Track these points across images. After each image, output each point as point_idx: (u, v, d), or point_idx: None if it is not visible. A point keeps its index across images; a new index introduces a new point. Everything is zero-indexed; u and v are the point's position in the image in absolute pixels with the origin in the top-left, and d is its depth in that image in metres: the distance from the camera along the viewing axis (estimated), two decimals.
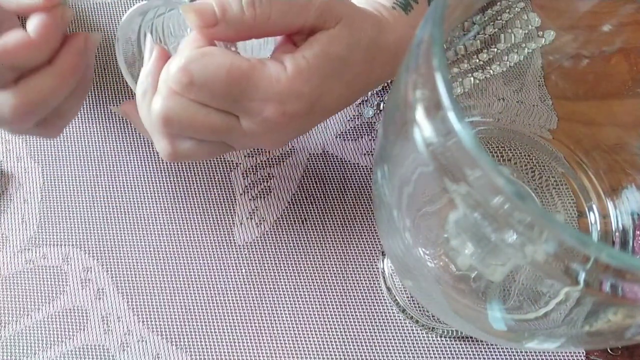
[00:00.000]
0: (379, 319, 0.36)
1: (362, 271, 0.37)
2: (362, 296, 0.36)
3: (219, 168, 0.40)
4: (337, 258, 0.37)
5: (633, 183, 0.31)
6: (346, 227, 0.38)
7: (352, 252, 0.37)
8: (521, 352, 0.35)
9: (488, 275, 0.26)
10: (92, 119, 0.42)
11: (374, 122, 0.40)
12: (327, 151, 0.40)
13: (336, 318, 0.36)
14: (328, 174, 0.39)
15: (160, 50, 0.28)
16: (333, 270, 0.37)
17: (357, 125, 0.40)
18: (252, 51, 0.31)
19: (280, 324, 0.36)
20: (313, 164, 0.39)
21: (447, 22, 0.20)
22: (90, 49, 0.30)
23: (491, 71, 0.36)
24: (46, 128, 0.31)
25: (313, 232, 0.38)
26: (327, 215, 0.38)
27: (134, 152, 0.40)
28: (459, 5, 0.21)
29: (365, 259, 0.37)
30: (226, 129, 0.27)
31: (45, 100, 0.28)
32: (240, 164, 0.40)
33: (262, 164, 0.40)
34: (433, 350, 0.35)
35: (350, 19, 0.27)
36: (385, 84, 0.41)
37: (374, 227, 0.38)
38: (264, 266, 0.37)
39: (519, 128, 0.35)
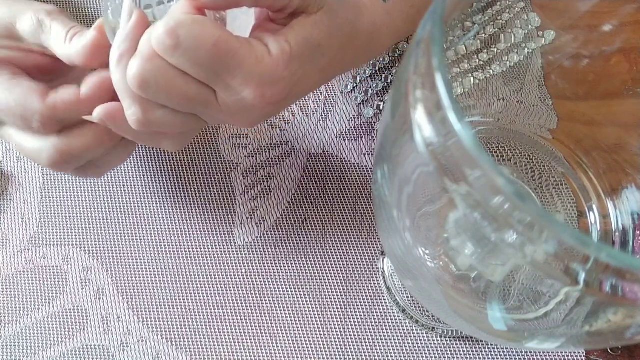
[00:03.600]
0: (379, 319, 0.36)
1: (362, 271, 0.37)
2: (362, 296, 0.36)
3: (219, 168, 0.40)
4: (337, 258, 0.37)
5: (633, 183, 0.31)
6: (346, 227, 0.38)
7: (352, 252, 0.37)
8: (521, 352, 0.35)
9: (488, 275, 0.26)
10: None
11: (374, 122, 0.40)
12: (327, 151, 0.40)
13: (336, 318, 0.36)
14: (328, 174, 0.39)
15: (140, 14, 0.27)
16: (333, 270, 0.37)
17: (357, 125, 0.40)
18: (239, 27, 0.30)
19: (280, 324, 0.36)
20: (313, 164, 0.39)
21: (447, 21, 0.20)
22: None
23: (491, 71, 0.36)
24: (85, 173, 0.33)
25: (313, 232, 0.38)
26: (327, 215, 0.38)
27: (134, 152, 0.40)
28: (459, 5, 0.21)
29: (365, 259, 0.37)
30: (202, 101, 0.26)
31: (81, 154, 0.30)
32: (240, 164, 0.40)
33: (262, 164, 0.40)
34: (433, 350, 0.35)
35: (334, 6, 0.27)
36: (385, 84, 0.41)
37: (374, 227, 0.38)
38: (264, 266, 0.37)
39: (519, 128, 0.35)
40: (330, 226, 0.38)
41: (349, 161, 0.40)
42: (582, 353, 0.34)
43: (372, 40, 0.31)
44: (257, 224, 0.38)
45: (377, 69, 0.41)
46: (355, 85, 0.41)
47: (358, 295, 0.36)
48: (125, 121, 0.28)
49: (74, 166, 0.31)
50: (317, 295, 0.36)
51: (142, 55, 0.25)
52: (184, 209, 0.39)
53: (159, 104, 0.27)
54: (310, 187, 0.39)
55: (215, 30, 0.25)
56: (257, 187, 0.39)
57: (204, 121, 0.29)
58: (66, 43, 0.29)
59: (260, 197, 0.39)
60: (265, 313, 0.36)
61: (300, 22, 0.26)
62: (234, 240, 0.38)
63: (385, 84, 0.41)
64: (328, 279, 0.37)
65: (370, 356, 0.35)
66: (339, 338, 0.35)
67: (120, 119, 0.28)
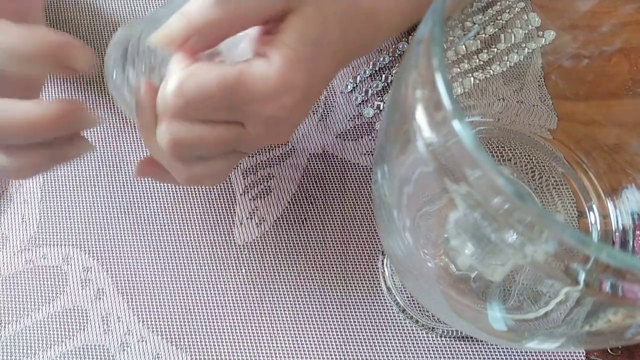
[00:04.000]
0: (379, 319, 0.36)
1: (362, 271, 0.37)
2: (362, 296, 0.36)
3: None
4: (337, 258, 0.37)
5: (633, 183, 0.31)
6: (346, 227, 0.38)
7: (352, 252, 0.37)
8: (521, 352, 0.35)
9: (488, 275, 0.26)
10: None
11: (374, 122, 0.40)
12: (327, 151, 0.40)
13: (336, 318, 0.36)
14: (328, 174, 0.39)
15: (147, 83, 0.27)
16: (333, 270, 0.37)
17: (357, 125, 0.40)
18: (237, 52, 0.30)
19: (280, 324, 0.36)
20: (313, 164, 0.39)
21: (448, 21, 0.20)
22: (81, 116, 0.26)
23: (491, 71, 0.36)
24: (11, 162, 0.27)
25: (313, 232, 0.38)
26: (327, 215, 0.38)
27: (134, 152, 0.40)
28: (459, 4, 0.21)
29: (365, 259, 0.37)
30: (235, 138, 0.27)
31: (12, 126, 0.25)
32: (240, 164, 0.40)
33: (262, 164, 0.40)
34: (433, 350, 0.35)
35: None
36: (385, 84, 0.41)
37: (374, 227, 0.38)
38: (264, 266, 0.37)
39: (519, 128, 0.35)
40: (330, 226, 0.38)
41: (349, 161, 0.40)
42: (582, 353, 0.34)
43: (376, 19, 0.30)
44: (257, 224, 0.38)
45: (377, 69, 0.41)
46: (355, 85, 0.41)
47: (358, 295, 0.36)
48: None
49: None
50: (317, 295, 0.36)
51: (164, 122, 0.26)
52: (184, 209, 0.39)
53: (199, 157, 0.27)
54: (310, 187, 0.39)
55: (212, 71, 0.25)
56: (257, 187, 0.39)
57: (243, 153, 0.29)
58: None
59: (260, 197, 0.39)
60: (265, 313, 0.36)
61: (290, 22, 0.26)
62: (234, 240, 0.38)
63: (385, 84, 0.41)
64: (328, 279, 0.37)
65: (370, 356, 0.35)
66: (339, 338, 0.35)
67: (167, 177, 0.29)
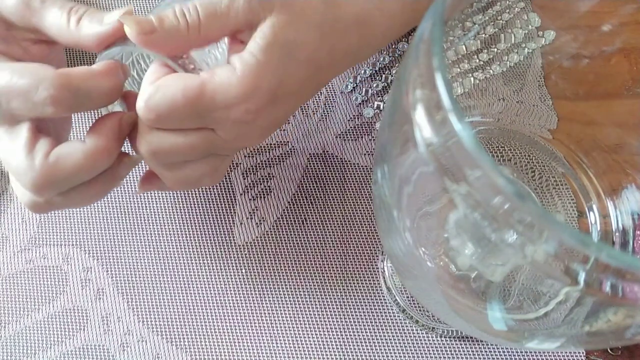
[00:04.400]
0: (379, 319, 0.36)
1: (362, 271, 0.37)
2: (362, 296, 0.36)
3: None
4: (337, 258, 0.37)
5: (633, 183, 0.31)
6: (346, 227, 0.38)
7: (352, 252, 0.37)
8: (521, 352, 0.35)
9: (488, 275, 0.26)
10: (91, 119, 0.42)
11: (374, 122, 0.40)
12: (327, 151, 0.40)
13: (336, 318, 0.36)
14: (328, 174, 0.39)
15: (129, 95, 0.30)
16: (333, 270, 0.37)
17: (357, 125, 0.40)
18: (212, 60, 0.31)
19: (280, 324, 0.36)
20: (313, 164, 0.39)
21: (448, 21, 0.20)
22: (125, 128, 0.29)
23: (491, 71, 0.36)
24: (67, 202, 0.30)
25: (313, 232, 0.38)
26: (327, 215, 0.38)
27: (133, 152, 0.40)
28: (459, 4, 0.21)
29: (365, 259, 0.37)
30: (208, 143, 0.28)
31: (71, 176, 0.28)
32: (240, 164, 0.40)
33: (262, 164, 0.40)
34: (433, 350, 0.35)
35: (288, 1, 0.28)
36: (385, 84, 0.41)
37: (374, 227, 0.38)
38: (264, 266, 0.37)
39: (519, 128, 0.35)
40: (330, 226, 0.38)
41: (349, 161, 0.40)
42: (582, 353, 0.34)
43: (365, 26, 0.30)
44: (257, 224, 0.38)
45: (377, 69, 0.41)
46: (355, 85, 0.41)
47: (358, 295, 0.36)
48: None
49: (58, 190, 0.28)
50: (317, 295, 0.36)
51: (141, 134, 0.28)
52: (184, 209, 0.39)
53: (180, 162, 0.29)
54: (310, 187, 0.39)
55: (178, 83, 0.26)
56: (257, 187, 0.39)
57: (225, 155, 0.31)
58: (71, 26, 0.28)
59: (260, 197, 0.39)
60: (265, 313, 0.36)
61: (259, 29, 0.27)
62: (234, 240, 0.38)
63: (385, 84, 0.41)
64: (328, 279, 0.37)
65: (370, 356, 0.35)
66: (339, 338, 0.35)
67: (157, 182, 0.31)
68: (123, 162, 0.30)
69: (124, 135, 0.29)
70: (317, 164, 0.39)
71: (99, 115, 0.30)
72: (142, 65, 0.35)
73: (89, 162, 0.28)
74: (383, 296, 0.36)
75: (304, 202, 0.39)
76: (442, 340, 0.35)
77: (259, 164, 0.40)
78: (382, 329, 0.35)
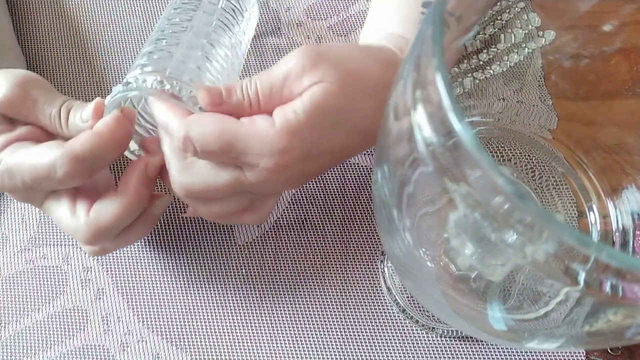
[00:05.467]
0: (379, 319, 0.36)
1: (362, 271, 0.37)
2: (362, 296, 0.36)
3: None
4: (337, 258, 0.37)
5: (633, 183, 0.31)
6: (346, 227, 0.38)
7: (352, 252, 0.37)
8: (521, 352, 0.35)
9: (488, 275, 0.26)
10: None
11: None
12: None
13: (336, 318, 0.36)
14: (328, 174, 0.39)
15: (151, 140, 0.33)
16: (333, 270, 0.37)
17: None
18: (213, 71, 0.33)
19: (280, 324, 0.36)
20: None
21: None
22: (152, 173, 0.32)
23: (491, 71, 0.36)
24: (120, 243, 0.34)
25: (313, 232, 0.38)
26: (327, 215, 0.38)
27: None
28: (460, 5, 0.21)
29: (365, 259, 0.37)
30: (236, 182, 0.29)
31: (112, 227, 0.31)
32: None
33: None
34: (433, 350, 0.35)
35: (342, 68, 0.28)
36: None
37: (374, 227, 0.38)
38: (264, 266, 0.37)
39: (519, 128, 0.35)
40: (330, 226, 0.38)
41: (349, 161, 0.39)
42: (582, 353, 0.34)
43: None
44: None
45: None
46: None
47: (358, 295, 0.36)
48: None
49: (110, 239, 0.32)
50: (317, 295, 0.36)
51: (171, 174, 0.30)
52: (183, 209, 0.39)
53: (213, 199, 0.30)
54: (310, 187, 0.39)
55: (218, 121, 0.28)
56: None
57: (266, 196, 0.32)
58: (63, 129, 0.33)
59: None
60: (265, 313, 0.36)
61: (311, 90, 0.28)
62: (234, 240, 0.38)
63: None
64: (328, 279, 0.37)
65: (370, 356, 0.35)
66: (339, 338, 0.35)
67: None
68: (155, 204, 0.34)
69: (152, 180, 0.32)
70: None
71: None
72: (143, 104, 0.36)
73: (124, 212, 0.31)
74: (383, 296, 0.36)
75: (304, 202, 0.39)
76: (442, 340, 0.35)
77: None
78: (382, 329, 0.35)
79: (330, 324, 0.36)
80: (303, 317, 0.36)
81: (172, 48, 0.32)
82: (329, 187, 0.39)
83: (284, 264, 0.37)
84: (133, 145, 0.35)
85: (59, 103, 0.33)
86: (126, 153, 0.34)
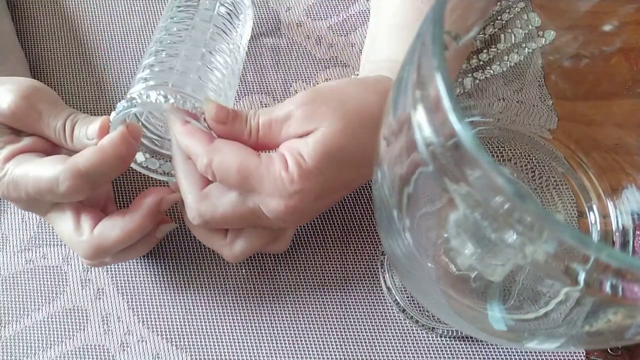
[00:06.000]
0: (379, 319, 0.36)
1: (362, 271, 0.37)
2: (362, 296, 0.36)
3: None
4: (337, 258, 0.37)
5: (633, 183, 0.31)
6: (346, 227, 0.38)
7: (352, 252, 0.37)
8: (521, 352, 0.35)
9: (488, 275, 0.26)
10: None
11: None
12: None
13: (336, 318, 0.36)
14: None
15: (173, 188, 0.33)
16: (333, 270, 0.37)
17: None
18: (227, 88, 0.34)
19: (280, 323, 0.36)
20: None
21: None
22: (165, 208, 0.33)
23: (491, 71, 0.36)
24: (118, 259, 0.35)
25: (313, 232, 0.38)
26: (327, 216, 0.38)
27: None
28: (460, 5, 0.21)
29: (365, 259, 0.37)
30: (252, 214, 0.30)
31: (114, 248, 0.32)
32: None
33: None
34: (433, 350, 0.35)
35: (342, 109, 0.29)
36: None
37: (374, 227, 0.38)
38: (264, 266, 0.37)
39: (519, 128, 0.35)
40: (330, 226, 0.38)
41: None
42: (582, 353, 0.34)
43: None
44: None
45: None
46: None
47: (358, 295, 0.36)
48: None
49: (105, 256, 0.33)
50: (317, 295, 0.36)
51: (189, 206, 0.31)
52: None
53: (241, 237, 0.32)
54: None
55: (238, 154, 0.28)
56: None
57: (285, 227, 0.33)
58: (68, 143, 0.33)
59: None
60: (265, 313, 0.36)
61: (313, 137, 0.28)
62: None
63: None
64: (328, 279, 0.37)
65: (370, 356, 0.35)
66: (339, 338, 0.35)
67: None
68: (160, 229, 0.34)
69: (162, 213, 0.33)
70: None
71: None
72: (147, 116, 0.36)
73: (128, 237, 0.32)
74: (383, 296, 0.36)
75: None
76: (442, 340, 0.35)
77: None
78: (382, 329, 0.35)
79: (330, 324, 0.36)
80: (303, 317, 0.36)
81: (173, 60, 0.32)
82: None
83: (284, 264, 0.37)
84: (140, 157, 0.35)
85: (63, 117, 0.33)
86: (132, 165, 0.34)
